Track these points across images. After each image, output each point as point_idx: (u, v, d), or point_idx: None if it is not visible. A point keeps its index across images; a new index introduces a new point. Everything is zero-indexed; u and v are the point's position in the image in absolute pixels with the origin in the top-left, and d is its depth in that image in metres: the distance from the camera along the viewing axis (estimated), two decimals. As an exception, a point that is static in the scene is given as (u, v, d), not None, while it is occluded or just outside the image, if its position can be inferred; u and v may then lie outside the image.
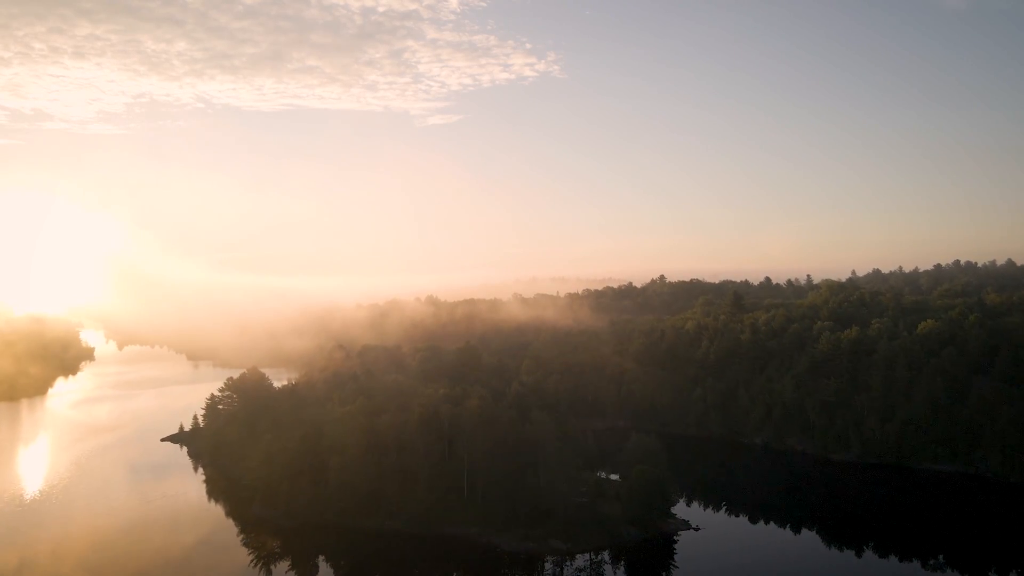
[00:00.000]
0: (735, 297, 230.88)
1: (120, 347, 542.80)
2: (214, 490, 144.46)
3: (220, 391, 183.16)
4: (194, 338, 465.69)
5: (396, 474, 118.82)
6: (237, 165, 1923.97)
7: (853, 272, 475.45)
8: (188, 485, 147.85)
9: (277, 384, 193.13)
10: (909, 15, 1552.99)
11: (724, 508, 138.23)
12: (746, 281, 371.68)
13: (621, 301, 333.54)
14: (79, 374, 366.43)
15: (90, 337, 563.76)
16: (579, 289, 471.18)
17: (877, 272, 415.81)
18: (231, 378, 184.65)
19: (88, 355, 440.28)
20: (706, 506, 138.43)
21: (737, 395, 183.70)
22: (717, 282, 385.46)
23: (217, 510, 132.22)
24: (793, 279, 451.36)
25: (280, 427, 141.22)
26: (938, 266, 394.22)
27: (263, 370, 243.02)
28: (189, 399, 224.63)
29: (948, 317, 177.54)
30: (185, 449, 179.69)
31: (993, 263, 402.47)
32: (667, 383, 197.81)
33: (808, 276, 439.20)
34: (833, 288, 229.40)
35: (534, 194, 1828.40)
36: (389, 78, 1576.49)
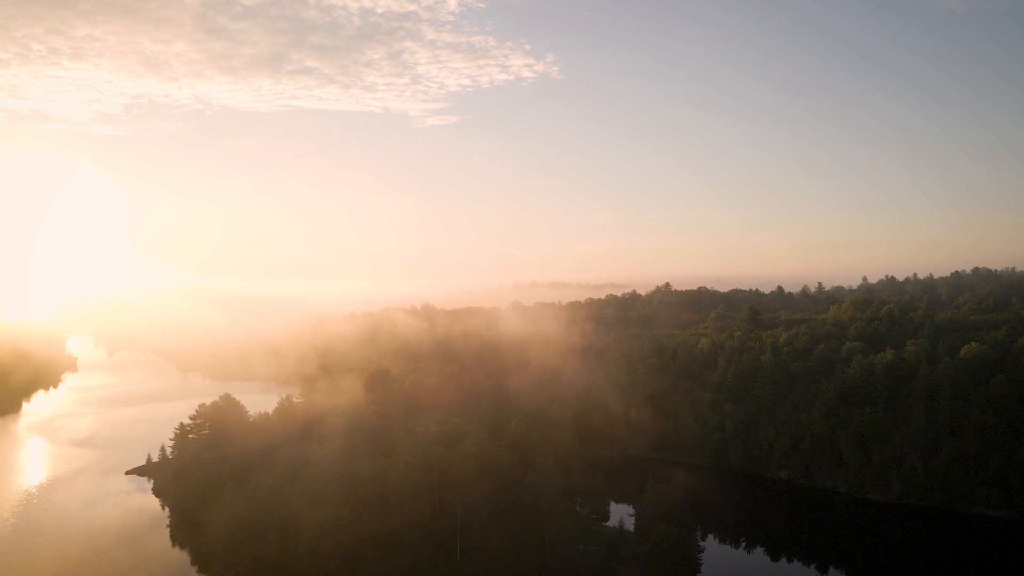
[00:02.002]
0: (751, 312, 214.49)
1: (110, 354, 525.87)
2: (176, 538, 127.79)
3: (191, 419, 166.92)
4: (185, 346, 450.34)
5: (378, 532, 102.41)
6: (235, 166, 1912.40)
7: (864, 279, 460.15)
8: (145, 531, 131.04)
9: (259, 406, 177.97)
10: (910, 16, 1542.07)
11: (750, 553, 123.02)
12: (757, 290, 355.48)
13: (626, 312, 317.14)
14: (60, 386, 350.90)
15: (79, 344, 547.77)
16: (581, 296, 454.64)
17: (892, 280, 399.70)
18: (203, 404, 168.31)
19: (71, 365, 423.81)
20: (731, 555, 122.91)
21: (759, 423, 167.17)
22: (726, 291, 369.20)
23: (173, 567, 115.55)
24: (805, 286, 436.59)
25: (248, 470, 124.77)
26: (956, 273, 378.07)
27: (250, 384, 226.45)
28: (167, 419, 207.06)
29: (993, 339, 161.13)
30: (151, 484, 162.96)
31: (1013, 270, 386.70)
32: (681, 408, 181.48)
33: (820, 284, 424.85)
34: (857, 303, 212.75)
35: (533, 195, 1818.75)
36: (388, 79, 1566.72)
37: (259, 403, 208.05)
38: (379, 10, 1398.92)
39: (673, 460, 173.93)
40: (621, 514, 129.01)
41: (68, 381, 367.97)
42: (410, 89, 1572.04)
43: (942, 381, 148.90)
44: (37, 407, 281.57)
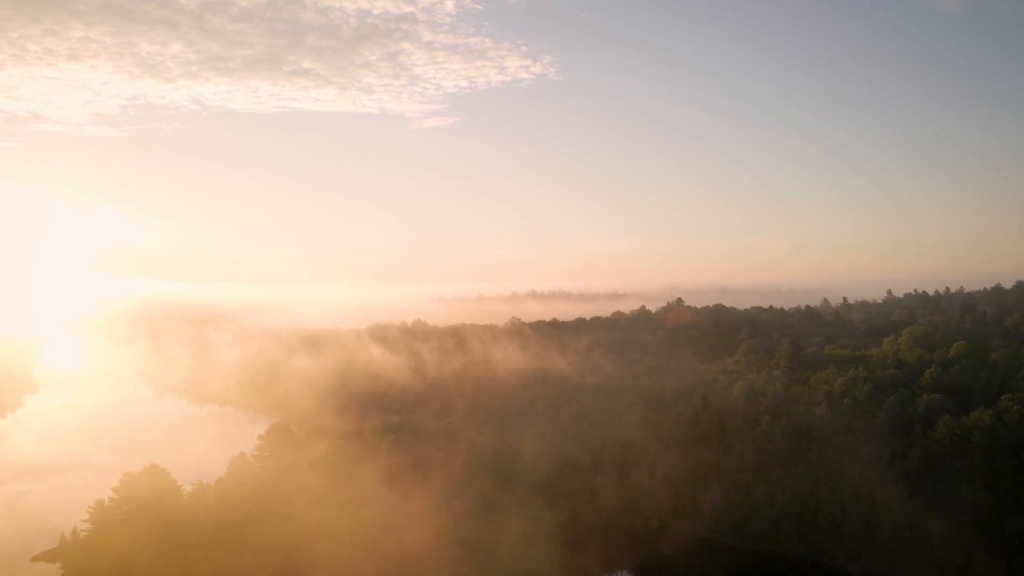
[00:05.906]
0: (793, 348, 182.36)
1: (85, 370, 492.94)
2: None
3: (114, 490, 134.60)
4: (168, 361, 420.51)
5: None
6: (232, 168, 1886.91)
7: (889, 292, 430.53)
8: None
9: (216, 453, 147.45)
10: (909, 16, 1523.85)
11: None
12: (781, 308, 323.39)
13: (637, 334, 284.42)
14: (19, 411, 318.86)
15: (54, 359, 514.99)
16: (583, 309, 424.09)
17: (923, 294, 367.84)
18: (129, 473, 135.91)
19: (31, 386, 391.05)
20: None
21: (819, 497, 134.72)
22: (744, 308, 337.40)
23: None
24: (825, 299, 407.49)
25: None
26: (998, 287, 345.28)
27: (224, 410, 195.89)
28: (115, 465, 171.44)
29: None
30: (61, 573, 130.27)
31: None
32: (717, 473, 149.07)
33: (844, 298, 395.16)
34: (918, 337, 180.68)
35: (531, 196, 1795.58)
36: (385, 80, 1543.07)
37: (221, 444, 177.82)
38: (376, 11, 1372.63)
39: (708, 538, 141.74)
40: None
41: (27, 405, 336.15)
42: (407, 90, 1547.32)
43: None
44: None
